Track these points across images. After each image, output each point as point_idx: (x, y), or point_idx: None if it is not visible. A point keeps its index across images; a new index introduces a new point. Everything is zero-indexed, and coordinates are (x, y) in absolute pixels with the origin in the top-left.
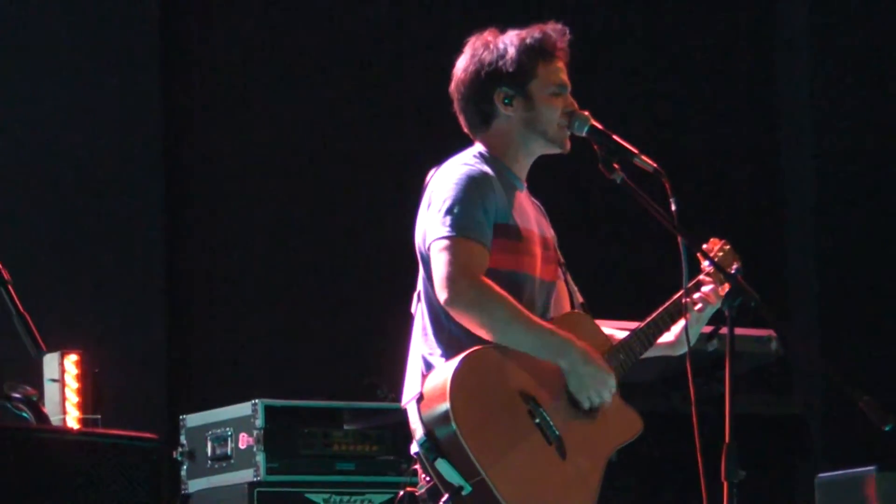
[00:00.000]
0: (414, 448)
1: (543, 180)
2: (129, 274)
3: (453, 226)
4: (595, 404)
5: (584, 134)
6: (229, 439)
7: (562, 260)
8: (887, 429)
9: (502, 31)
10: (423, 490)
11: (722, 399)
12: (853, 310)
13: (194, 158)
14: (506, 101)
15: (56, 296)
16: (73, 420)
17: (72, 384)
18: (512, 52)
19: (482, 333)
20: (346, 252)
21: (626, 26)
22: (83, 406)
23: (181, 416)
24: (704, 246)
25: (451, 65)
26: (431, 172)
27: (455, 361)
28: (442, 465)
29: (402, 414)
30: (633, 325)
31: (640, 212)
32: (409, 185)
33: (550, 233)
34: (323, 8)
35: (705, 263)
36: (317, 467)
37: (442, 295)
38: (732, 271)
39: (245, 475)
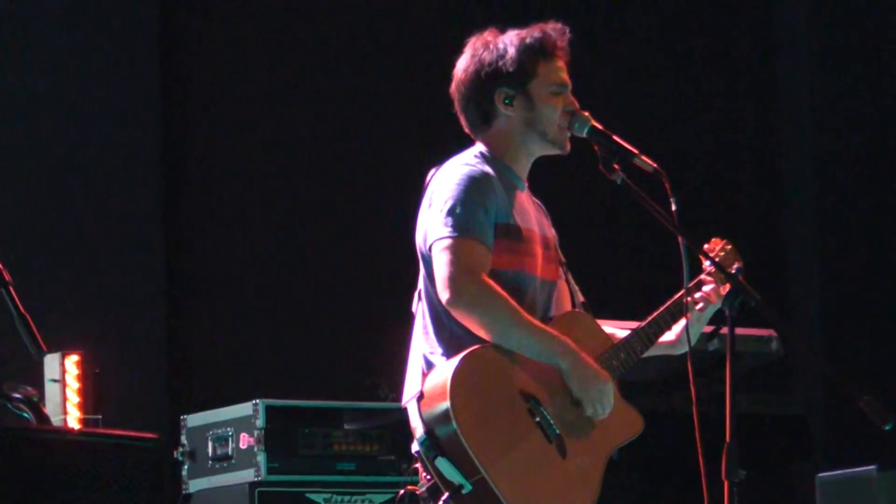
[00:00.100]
0: (414, 447)
1: (544, 180)
2: (130, 274)
3: (455, 226)
4: (598, 415)
5: (584, 134)
6: (230, 439)
7: (563, 259)
8: (888, 428)
9: (502, 30)
10: (423, 489)
11: (723, 399)
12: (854, 309)
13: (194, 159)
14: (506, 100)
15: (57, 296)
16: (73, 420)
17: (73, 384)
18: (512, 51)
19: (482, 334)
20: (346, 252)
21: (625, 26)
22: (84, 406)
23: (182, 416)
24: (706, 246)
25: (452, 65)
26: (432, 172)
27: (455, 360)
28: (442, 464)
29: (403, 413)
30: (634, 324)
31: (642, 211)
32: (409, 184)
33: (551, 232)
34: (323, 6)
35: (706, 263)
36: (317, 467)
37: (444, 295)
38: (733, 271)
39: (246, 475)
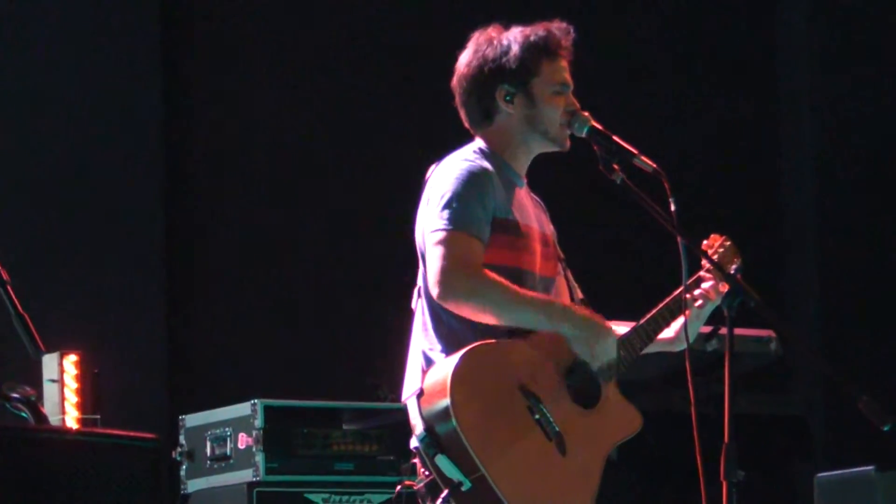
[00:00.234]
0: (413, 443)
1: (543, 177)
2: (129, 274)
3: (451, 219)
4: (604, 363)
5: (583, 134)
6: (228, 439)
7: (561, 256)
8: (886, 429)
9: (506, 27)
10: (421, 485)
11: (722, 399)
12: (853, 310)
13: (195, 159)
14: (507, 98)
15: (55, 296)
16: (72, 420)
17: (71, 384)
18: (515, 49)
19: (482, 319)
20: (345, 252)
21: (626, 26)
22: (82, 406)
23: (180, 416)
24: (705, 242)
25: (453, 63)
26: (431, 168)
27: (455, 357)
28: (442, 461)
29: (402, 413)
30: (632, 324)
31: (642, 209)
32: (409, 183)
33: (550, 228)
34: (324, 3)
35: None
36: (316, 467)
37: (434, 290)
38: (733, 268)
39: (244, 475)
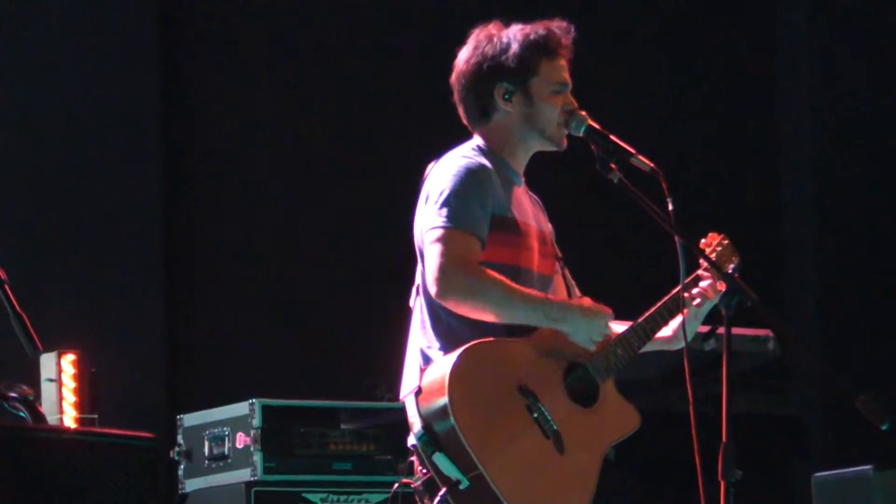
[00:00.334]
0: (411, 441)
1: (541, 175)
2: (127, 273)
3: (449, 217)
4: (597, 340)
5: (581, 134)
6: (226, 439)
7: (559, 254)
8: (884, 428)
9: (507, 24)
10: (419, 483)
11: (720, 398)
12: (851, 310)
13: (193, 157)
14: (505, 96)
15: (53, 295)
16: (70, 420)
17: (69, 384)
18: (515, 47)
19: (480, 316)
20: (344, 251)
21: (625, 26)
22: (80, 406)
23: (178, 416)
24: (703, 240)
25: (452, 62)
26: (430, 166)
27: (453, 356)
28: (440, 459)
29: (400, 413)
30: (629, 323)
31: (640, 208)
32: (408, 179)
33: (548, 227)
34: (323, 5)
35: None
36: (314, 467)
37: (432, 288)
38: (731, 267)
39: (242, 475)
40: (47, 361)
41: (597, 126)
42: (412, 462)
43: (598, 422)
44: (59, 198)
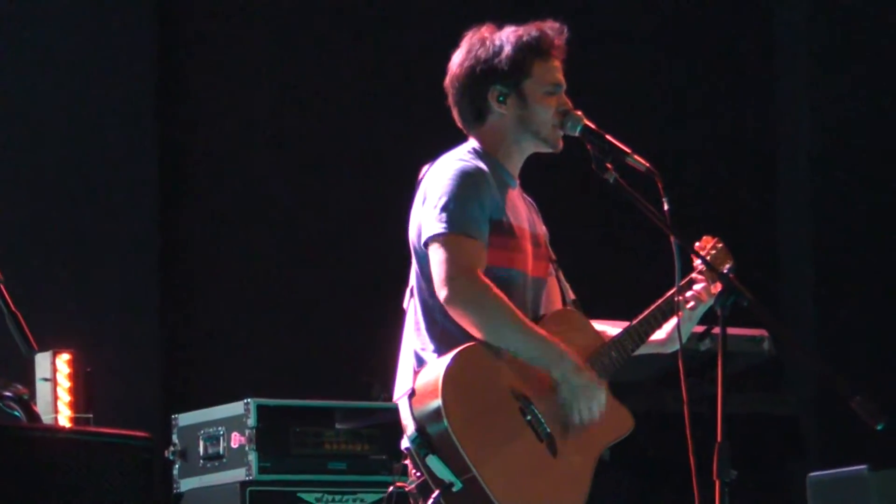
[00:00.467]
0: (405, 443)
1: (536, 177)
2: (123, 273)
3: (450, 223)
4: (584, 420)
5: (576, 133)
6: (221, 438)
7: (553, 257)
8: (880, 428)
9: (499, 26)
10: (413, 486)
11: (714, 399)
12: (847, 309)
13: (190, 157)
14: (500, 98)
15: (48, 295)
16: (64, 419)
17: (64, 383)
18: (508, 49)
19: (477, 333)
20: (339, 251)
21: (625, 26)
22: (75, 405)
23: (173, 416)
24: (696, 244)
25: (448, 59)
26: (425, 168)
27: (447, 358)
28: (433, 462)
29: (395, 413)
30: (625, 322)
31: (634, 209)
32: (402, 181)
33: (542, 229)
34: (321, 5)
35: (698, 262)
36: (309, 466)
37: (441, 293)
38: (725, 269)
39: (237, 474)
40: (42, 361)
41: (592, 126)
42: (407, 465)
43: (592, 425)
44: (54, 197)
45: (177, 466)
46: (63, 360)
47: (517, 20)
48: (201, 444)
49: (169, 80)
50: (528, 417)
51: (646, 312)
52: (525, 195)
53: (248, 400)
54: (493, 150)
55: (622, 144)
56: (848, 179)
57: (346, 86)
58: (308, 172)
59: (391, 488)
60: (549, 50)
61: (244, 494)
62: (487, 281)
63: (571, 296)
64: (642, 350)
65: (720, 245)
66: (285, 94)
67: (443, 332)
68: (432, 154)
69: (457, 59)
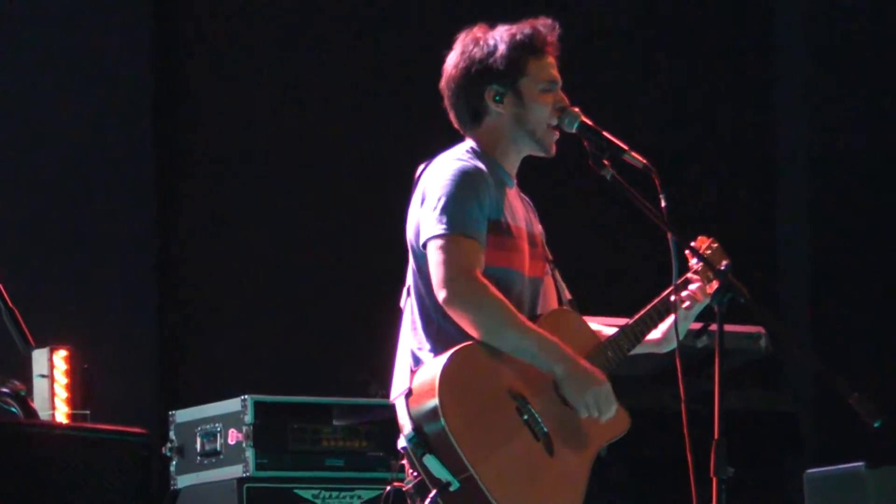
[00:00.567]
0: (402, 443)
1: (533, 176)
2: (120, 270)
3: (449, 223)
4: (592, 414)
5: (574, 130)
6: (218, 435)
7: (550, 256)
8: (877, 425)
9: (492, 26)
10: (410, 485)
11: (712, 396)
12: (845, 306)
13: (186, 152)
14: (496, 98)
15: (46, 291)
16: (62, 415)
17: (61, 380)
18: (502, 48)
19: (475, 334)
20: (336, 248)
21: (623, 25)
22: (72, 402)
23: (170, 412)
24: (692, 244)
25: (443, 59)
26: (422, 167)
27: (444, 357)
28: (430, 461)
29: (392, 410)
30: (621, 321)
31: (629, 209)
32: (399, 180)
33: (539, 229)
34: (318, 5)
35: (693, 261)
36: (306, 463)
37: (440, 294)
38: (722, 268)
39: (234, 471)
40: (39, 357)
41: (589, 122)
42: (403, 465)
43: (589, 424)
44: (52, 194)
45: (174, 463)
46: (60, 356)
47: (517, 20)
48: (198, 440)
49: (167, 79)
50: (525, 417)
51: (642, 312)
52: (522, 194)
53: (246, 396)
54: (490, 149)
55: (619, 141)
56: (845, 178)
57: (346, 86)
58: (305, 169)
59: (388, 488)
60: (543, 47)
61: (241, 491)
62: (486, 281)
63: (568, 295)
64: (638, 350)
65: (715, 245)
66: (284, 93)
67: (439, 332)
68: (431, 154)
69: (451, 61)
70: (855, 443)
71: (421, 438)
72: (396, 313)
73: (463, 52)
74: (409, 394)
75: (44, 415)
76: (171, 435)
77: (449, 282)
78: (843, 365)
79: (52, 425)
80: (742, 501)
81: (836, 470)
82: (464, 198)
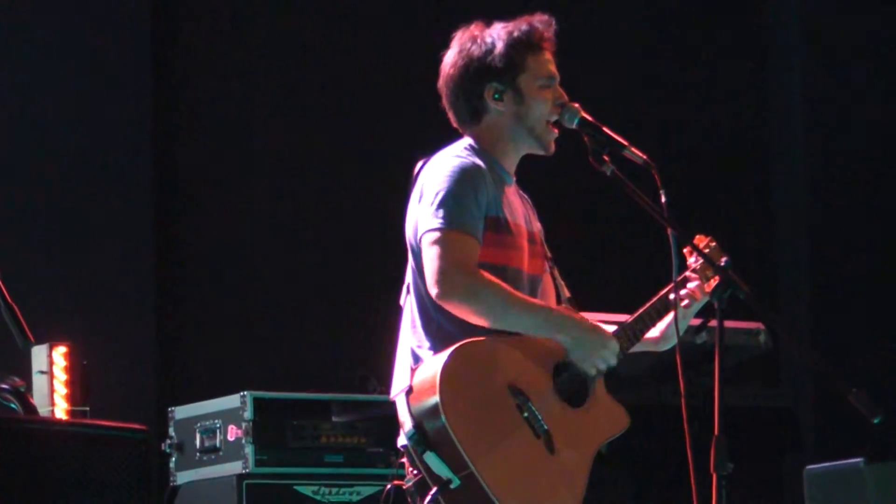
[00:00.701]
0: (402, 441)
1: (532, 173)
2: (119, 265)
3: (446, 218)
4: (601, 370)
5: (574, 126)
6: (218, 431)
7: (549, 254)
8: (876, 421)
9: (488, 23)
10: (410, 483)
11: (711, 392)
12: (844, 303)
13: (185, 149)
14: (496, 96)
15: (45, 287)
16: (61, 412)
17: (60, 376)
18: (500, 46)
19: (479, 321)
20: (335, 244)
21: (622, 25)
22: (71, 398)
23: (170, 408)
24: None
25: (440, 60)
26: (420, 164)
27: (444, 355)
28: (431, 459)
29: (391, 406)
30: (620, 317)
31: (628, 207)
32: (398, 177)
33: (538, 226)
34: (316, 6)
35: (691, 260)
36: (305, 459)
37: (433, 290)
38: (721, 264)
39: (234, 467)
40: (38, 353)
41: (589, 118)
42: (404, 462)
43: (589, 421)
44: (50, 190)
45: (173, 459)
46: (60, 352)
47: (515, 17)
48: (198, 436)
49: (167, 79)
50: (526, 414)
51: (641, 310)
52: (521, 192)
53: (245, 393)
54: (489, 147)
55: (619, 136)
56: (843, 176)
57: (346, 85)
58: (303, 167)
59: (388, 486)
60: (540, 43)
61: (241, 487)
62: (479, 271)
63: (567, 293)
64: (636, 348)
65: (713, 244)
66: (284, 93)
67: (439, 330)
68: (426, 147)
69: (449, 60)
70: (854, 439)
71: (421, 436)
72: (396, 310)
73: (461, 51)
74: (409, 391)
75: (43, 411)
76: (171, 431)
77: (442, 275)
78: (842, 361)
79: (52, 421)
80: (742, 497)
81: (836, 466)
82: (461, 194)
